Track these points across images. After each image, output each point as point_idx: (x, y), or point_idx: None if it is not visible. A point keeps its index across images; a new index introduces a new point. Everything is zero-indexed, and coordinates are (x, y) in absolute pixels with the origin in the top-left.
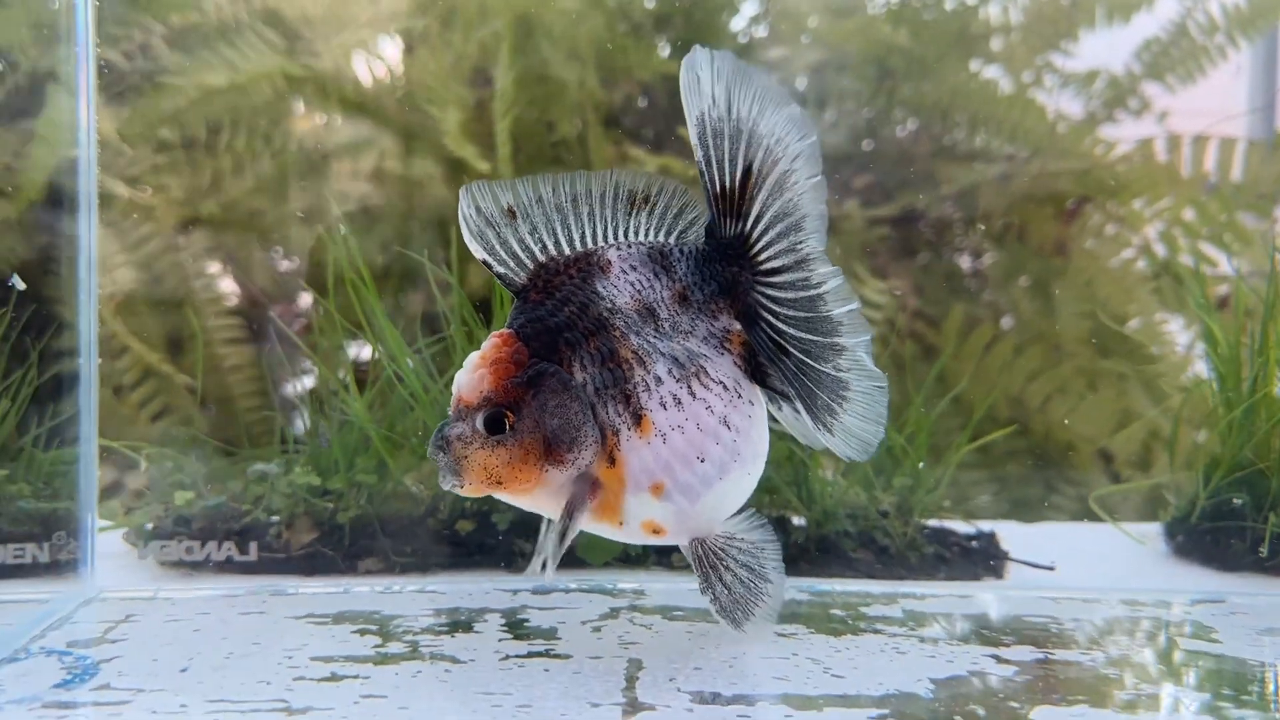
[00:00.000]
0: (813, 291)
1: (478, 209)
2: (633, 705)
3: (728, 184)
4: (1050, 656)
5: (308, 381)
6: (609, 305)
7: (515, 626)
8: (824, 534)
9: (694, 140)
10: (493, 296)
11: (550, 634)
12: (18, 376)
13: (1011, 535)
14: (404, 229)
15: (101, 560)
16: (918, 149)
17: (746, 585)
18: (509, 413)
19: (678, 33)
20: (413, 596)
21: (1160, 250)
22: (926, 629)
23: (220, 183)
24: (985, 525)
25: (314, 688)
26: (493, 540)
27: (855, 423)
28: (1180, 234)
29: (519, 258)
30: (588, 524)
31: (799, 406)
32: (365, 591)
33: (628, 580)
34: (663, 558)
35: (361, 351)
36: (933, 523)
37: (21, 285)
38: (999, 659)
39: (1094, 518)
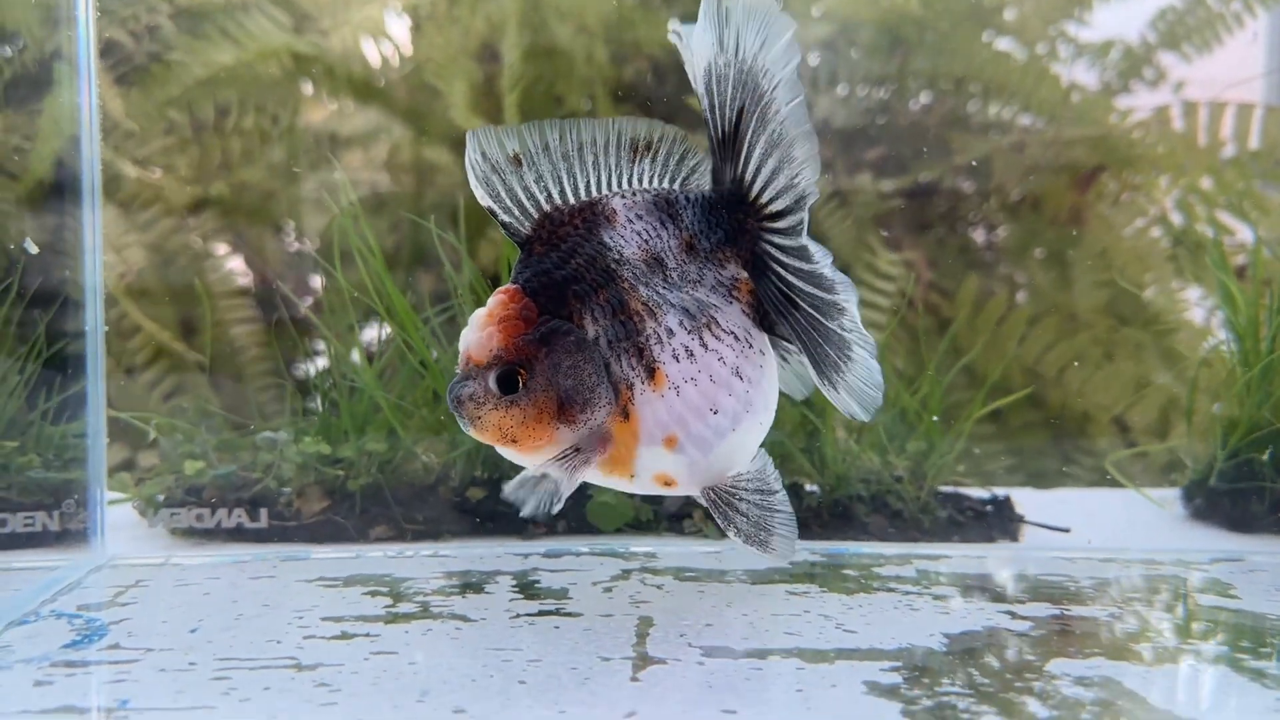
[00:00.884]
0: (803, 241)
1: (483, 154)
2: (643, 659)
3: (726, 128)
4: (1066, 613)
5: (320, 359)
6: (616, 256)
7: (526, 588)
8: (837, 498)
9: (700, 89)
10: (501, 272)
11: (561, 594)
12: (25, 351)
13: (1027, 501)
14: (413, 208)
15: (113, 531)
16: (931, 120)
17: (762, 508)
18: (521, 370)
19: (686, 5)
20: (424, 561)
21: (1177, 219)
22: (940, 588)
23: (229, 163)
24: (1000, 491)
25: (324, 645)
26: (504, 507)
27: (858, 383)
28: (1197, 202)
29: (524, 206)
30: (596, 477)
31: (805, 359)
32: (377, 556)
33: (639, 545)
34: (674, 524)
35: (380, 330)
36: (947, 488)
37: (35, 249)
38: (1014, 615)
39: (1111, 484)
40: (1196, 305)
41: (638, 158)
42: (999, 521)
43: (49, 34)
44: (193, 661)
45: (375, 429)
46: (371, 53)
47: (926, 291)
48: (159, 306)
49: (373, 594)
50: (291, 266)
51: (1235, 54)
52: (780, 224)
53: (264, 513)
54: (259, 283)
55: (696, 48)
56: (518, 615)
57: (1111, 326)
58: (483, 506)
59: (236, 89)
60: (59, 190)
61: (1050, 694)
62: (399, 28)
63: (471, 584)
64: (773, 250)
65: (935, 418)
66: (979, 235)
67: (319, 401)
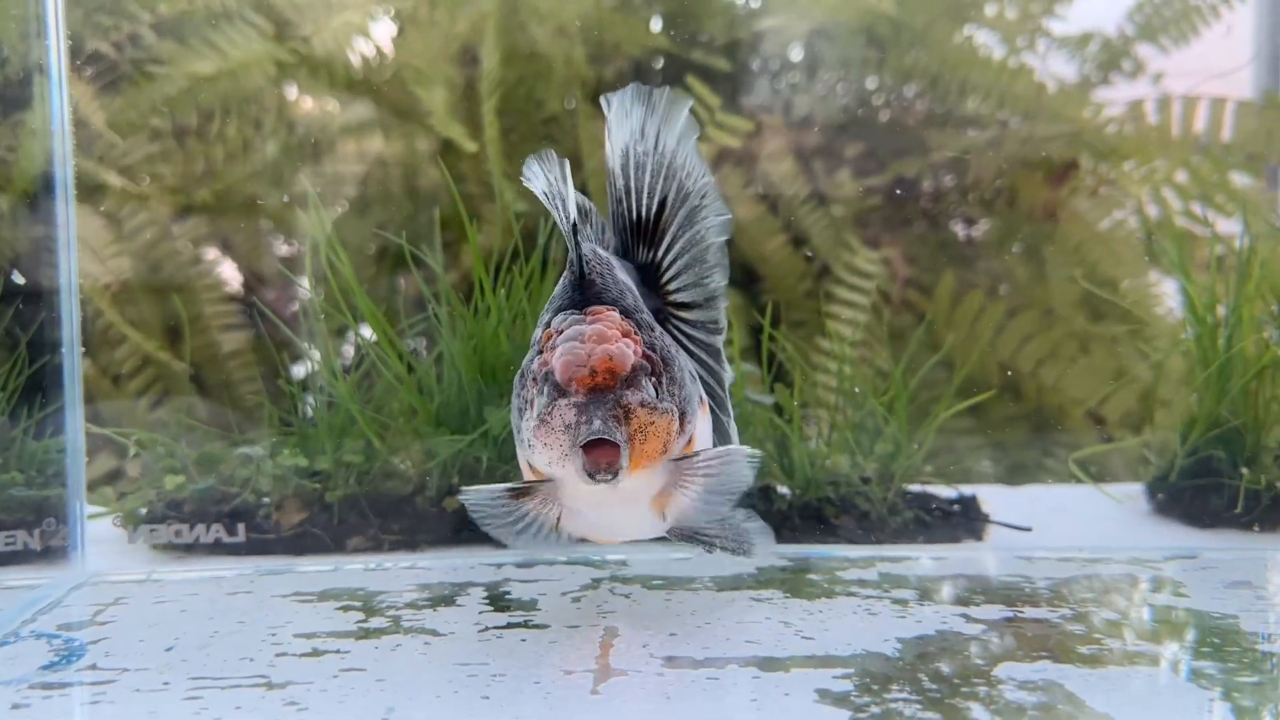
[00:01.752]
0: (717, 339)
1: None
2: (605, 671)
3: (644, 214)
4: (1019, 615)
5: (301, 366)
6: (634, 298)
7: (497, 599)
8: (806, 501)
9: (615, 169)
10: (478, 280)
11: (530, 605)
12: (6, 368)
13: (995, 498)
14: (399, 211)
15: (94, 545)
16: (908, 118)
17: (726, 527)
18: (654, 379)
19: (668, 6)
20: (399, 573)
21: (1153, 212)
22: (900, 591)
23: (213, 170)
24: (967, 489)
25: (295, 663)
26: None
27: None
28: (1173, 195)
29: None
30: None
31: None
32: (354, 569)
33: (613, 552)
34: None
35: (354, 341)
36: (915, 487)
37: (21, 280)
38: (968, 618)
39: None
40: (1170, 299)
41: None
42: (964, 521)
43: (32, 46)
44: (167, 681)
45: (353, 440)
46: (354, 58)
47: (904, 288)
48: (145, 315)
49: (346, 609)
50: (280, 273)
51: (1213, 46)
52: (688, 315)
53: (242, 527)
54: (246, 289)
55: (616, 129)
56: (486, 629)
57: (1087, 320)
58: (459, 515)
59: (218, 97)
60: (40, 202)
61: (995, 699)
62: (380, 33)
63: (444, 596)
64: (681, 334)
65: (901, 425)
66: (958, 231)
67: (295, 413)
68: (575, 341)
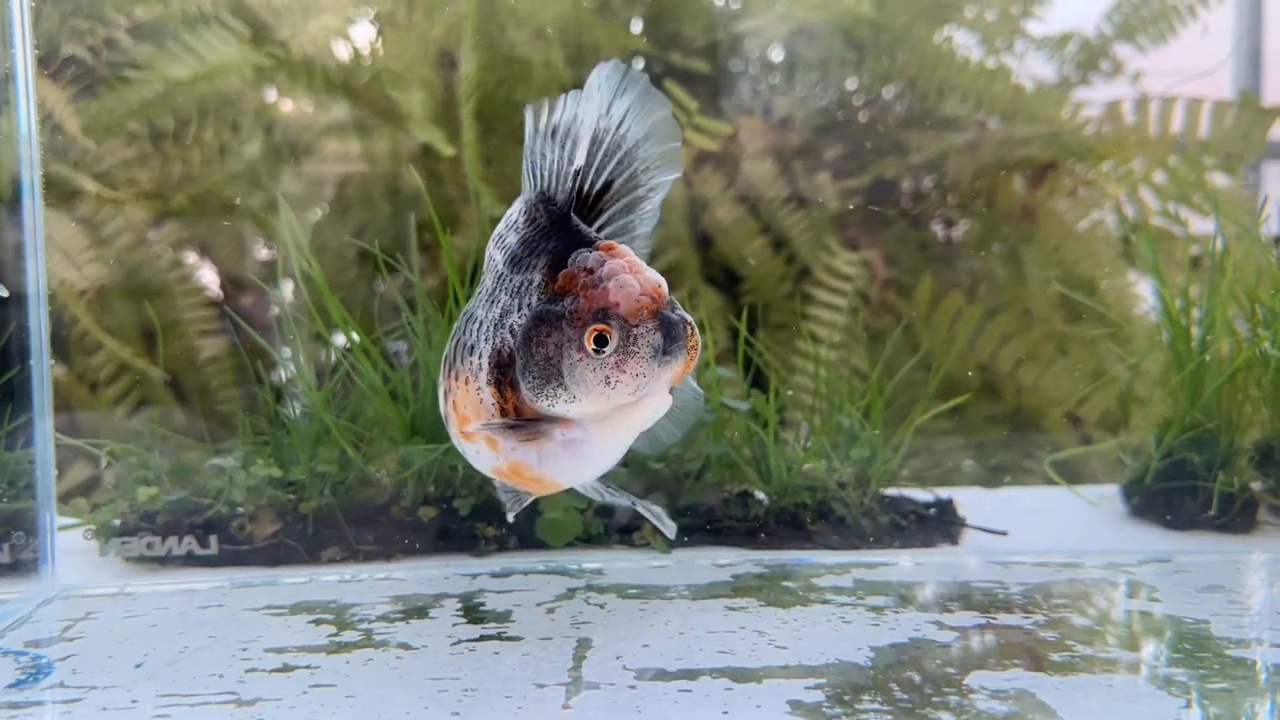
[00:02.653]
0: None
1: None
2: (577, 684)
3: (589, 188)
4: (992, 621)
5: (278, 373)
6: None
7: (471, 611)
8: (783, 507)
9: (584, 138)
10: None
11: (504, 617)
12: None
13: (972, 501)
14: (379, 214)
15: (65, 558)
16: (888, 119)
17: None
18: None
19: (648, 8)
20: (371, 584)
21: (1131, 213)
22: (874, 598)
23: (190, 174)
24: (944, 492)
25: (265, 679)
26: (455, 525)
27: None
28: (1150, 195)
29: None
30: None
31: None
32: (328, 580)
33: (590, 560)
34: (625, 537)
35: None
36: (891, 491)
37: (4, 293)
38: (941, 625)
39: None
40: (1148, 300)
41: None
42: (940, 525)
43: (3, 53)
44: (135, 699)
45: (328, 450)
46: (332, 62)
47: (883, 289)
48: (122, 321)
49: (318, 622)
50: (260, 279)
51: (1191, 46)
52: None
53: (214, 539)
54: (224, 294)
55: (587, 105)
56: (459, 641)
57: (1066, 321)
58: (434, 524)
59: (195, 101)
60: (9, 208)
61: (965, 709)
62: (359, 36)
63: (417, 608)
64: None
65: (876, 430)
66: (937, 232)
67: (270, 422)
68: (624, 275)
